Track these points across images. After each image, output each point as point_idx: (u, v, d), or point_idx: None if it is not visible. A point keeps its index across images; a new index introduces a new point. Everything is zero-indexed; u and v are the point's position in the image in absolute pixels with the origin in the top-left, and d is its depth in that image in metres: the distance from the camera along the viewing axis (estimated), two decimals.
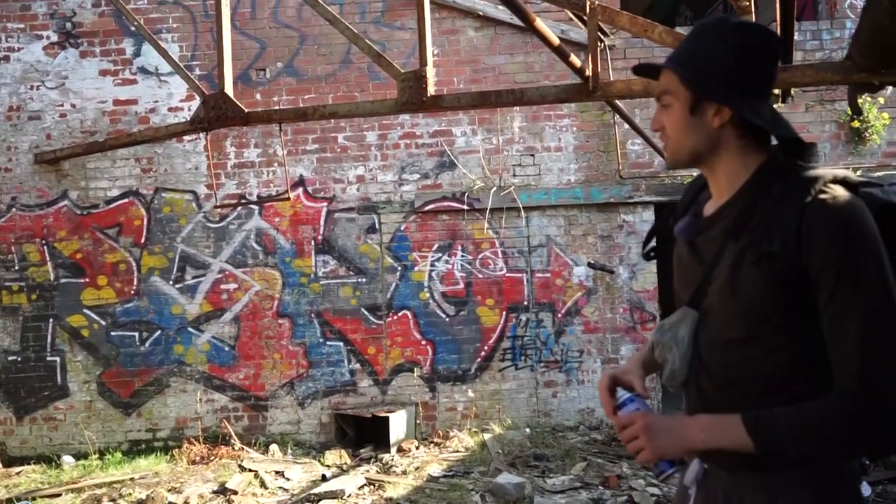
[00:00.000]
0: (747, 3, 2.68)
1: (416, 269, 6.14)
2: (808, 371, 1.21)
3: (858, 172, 6.08)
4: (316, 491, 4.64)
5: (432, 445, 5.72)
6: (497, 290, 6.13)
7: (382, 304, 6.13)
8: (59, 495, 4.88)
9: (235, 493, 4.69)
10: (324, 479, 4.99)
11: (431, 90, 3.44)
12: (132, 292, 6.13)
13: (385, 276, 6.14)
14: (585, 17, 3.27)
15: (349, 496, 4.61)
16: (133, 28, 5.85)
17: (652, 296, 6.10)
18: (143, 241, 6.16)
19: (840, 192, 1.19)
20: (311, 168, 6.19)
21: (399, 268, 6.15)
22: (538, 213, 6.12)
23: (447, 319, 6.12)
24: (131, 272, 6.13)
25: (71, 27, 6.21)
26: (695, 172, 1.43)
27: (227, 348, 6.12)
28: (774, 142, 1.32)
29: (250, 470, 5.18)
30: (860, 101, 5.63)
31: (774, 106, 6.09)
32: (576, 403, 6.05)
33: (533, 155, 6.18)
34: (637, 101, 5.70)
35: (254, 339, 6.12)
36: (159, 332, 6.11)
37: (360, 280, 6.14)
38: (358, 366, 6.12)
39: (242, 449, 5.70)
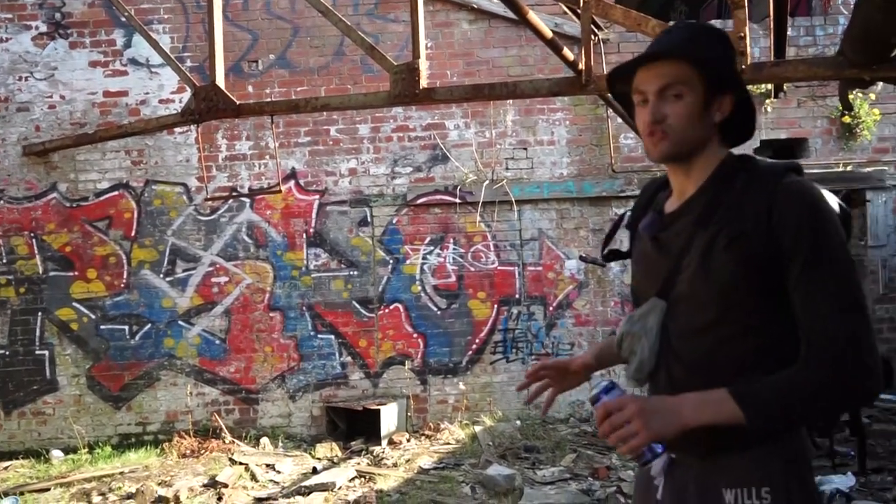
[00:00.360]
0: None
1: (408, 262, 6.14)
2: (778, 353, 1.28)
3: (849, 168, 6.14)
4: (307, 483, 4.65)
5: (423, 438, 5.73)
6: (489, 283, 6.13)
7: (374, 297, 6.12)
8: (47, 490, 4.86)
9: (226, 486, 4.68)
10: (314, 471, 5.00)
11: (424, 83, 3.42)
12: (122, 285, 6.09)
13: (377, 269, 6.13)
14: (579, 11, 3.27)
15: (340, 488, 4.61)
16: (123, 19, 5.79)
17: None
18: (133, 233, 6.11)
19: (800, 179, 1.30)
20: (303, 161, 6.16)
21: (391, 261, 6.14)
22: (530, 206, 6.13)
23: (439, 312, 6.13)
24: (121, 265, 6.09)
25: (60, 17, 6.14)
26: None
27: (217, 341, 6.09)
28: None
29: (241, 463, 5.17)
30: (851, 97, 5.67)
31: (768, 101, 6.06)
32: (566, 396, 6.08)
33: (526, 148, 6.18)
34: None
35: (245, 332, 6.10)
36: (149, 325, 6.07)
37: (351, 273, 6.13)
38: (349, 359, 6.11)
39: (233, 442, 5.69)
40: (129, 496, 4.58)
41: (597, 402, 1.29)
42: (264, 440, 5.76)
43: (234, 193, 6.07)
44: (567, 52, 3.99)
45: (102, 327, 6.07)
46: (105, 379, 6.05)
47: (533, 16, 3.70)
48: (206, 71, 4.44)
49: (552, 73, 5.81)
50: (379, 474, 4.84)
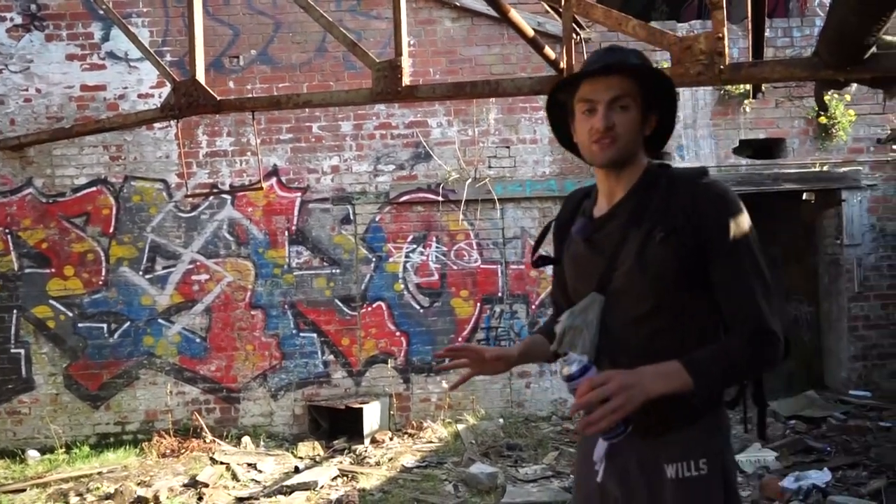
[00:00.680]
0: (719, 0, 2.71)
1: (391, 260, 6.13)
2: (706, 334, 1.48)
3: (825, 167, 6.24)
4: (288, 483, 4.62)
5: (406, 436, 5.73)
6: (471, 281, 6.14)
7: (356, 296, 6.10)
8: (23, 490, 4.78)
9: (206, 485, 4.65)
10: (297, 470, 4.97)
11: (407, 80, 3.42)
12: (100, 283, 6.00)
13: (359, 267, 6.11)
14: (561, 10, 3.28)
15: (322, 488, 4.60)
16: (101, 12, 5.69)
17: None
18: (111, 230, 6.03)
19: (715, 180, 1.51)
20: (285, 157, 6.12)
21: (373, 259, 6.12)
22: (513, 204, 6.14)
23: (421, 311, 6.13)
24: (99, 262, 6.01)
25: (36, 9, 6.02)
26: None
27: (198, 340, 6.03)
28: None
29: (222, 462, 5.13)
30: (827, 97, 5.76)
31: (746, 101, 6.13)
32: (548, 394, 6.11)
33: (508, 147, 6.20)
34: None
35: (226, 330, 6.04)
36: (128, 323, 6.00)
37: (334, 271, 6.10)
38: (332, 357, 6.09)
39: (214, 441, 5.64)
40: (108, 497, 4.52)
41: (573, 379, 1.38)
42: (246, 439, 5.72)
43: (215, 190, 6.01)
44: (549, 50, 4.01)
45: (80, 325, 5.98)
46: (83, 378, 5.97)
47: (515, 14, 3.71)
48: (186, 66, 4.39)
49: (534, 72, 5.83)
50: (361, 473, 4.83)
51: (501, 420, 5.87)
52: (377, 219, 6.14)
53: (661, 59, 5.91)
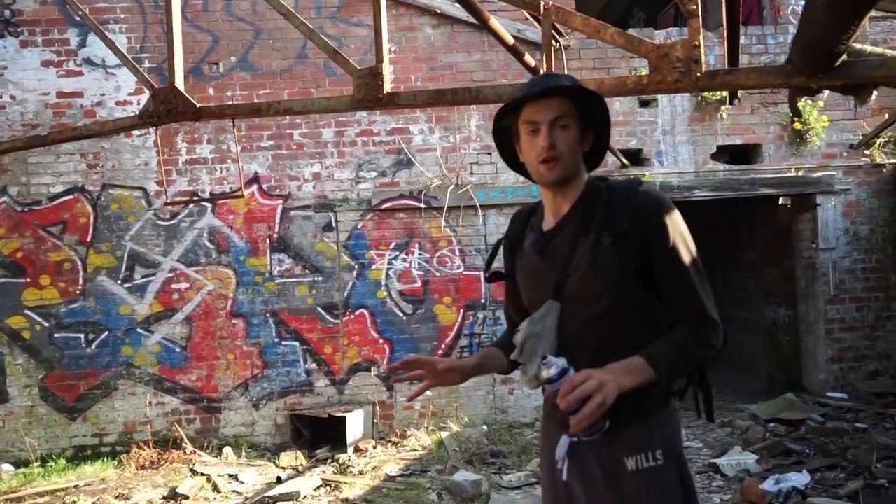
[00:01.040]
0: (694, 7, 2.75)
1: (374, 267, 6.11)
2: (657, 328, 1.60)
3: (801, 172, 6.35)
4: (271, 493, 4.58)
5: (389, 445, 5.70)
6: (454, 288, 6.15)
7: (339, 303, 6.07)
8: None
9: (187, 497, 4.58)
10: (279, 481, 4.92)
11: (388, 87, 3.41)
12: (77, 292, 5.90)
13: (342, 275, 6.09)
14: (540, 18, 3.30)
15: (305, 498, 4.56)
16: (78, 18, 5.63)
17: None
18: (89, 239, 5.94)
19: (651, 189, 1.67)
20: (266, 165, 6.08)
21: (356, 266, 6.10)
22: (495, 211, 6.16)
23: (404, 318, 6.11)
24: (76, 271, 5.91)
25: (10, 15, 5.94)
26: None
27: (178, 349, 5.96)
28: None
29: (202, 474, 5.06)
30: (800, 104, 5.86)
31: (723, 107, 6.23)
32: (532, 400, 6.12)
33: (490, 153, 6.22)
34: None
35: (206, 339, 5.97)
36: (106, 333, 5.90)
37: (316, 279, 6.07)
38: (314, 365, 6.05)
39: (194, 452, 5.57)
40: None
41: (552, 381, 1.46)
42: (227, 450, 5.65)
43: (195, 198, 5.95)
44: (529, 57, 4.03)
45: (56, 336, 5.87)
46: (59, 389, 5.86)
47: (495, 22, 3.73)
48: (165, 72, 4.35)
49: (515, 79, 5.87)
50: (345, 482, 4.79)
51: (485, 427, 5.87)
52: (359, 226, 6.12)
53: (640, 66, 5.99)
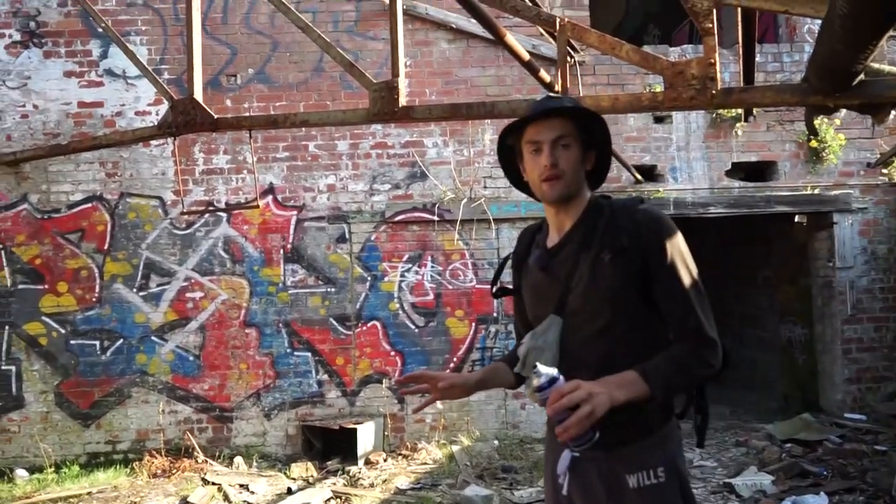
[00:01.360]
0: (710, 25, 2.76)
1: (386, 279, 6.12)
2: (660, 343, 1.61)
3: (817, 190, 6.30)
4: None
5: (400, 458, 5.68)
6: (466, 301, 6.14)
7: (351, 315, 6.09)
8: None
9: None
10: (289, 492, 4.92)
11: (403, 101, 3.45)
12: (94, 300, 5.97)
13: (354, 286, 6.11)
14: (556, 34, 3.32)
15: None
16: (100, 30, 5.74)
17: None
18: (106, 247, 6.01)
19: (651, 207, 1.69)
20: (281, 176, 6.14)
21: (369, 278, 6.12)
22: (508, 225, 6.17)
23: (416, 330, 6.11)
24: (93, 279, 5.98)
25: (35, 26, 6.07)
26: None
27: (191, 358, 6.00)
28: None
29: (214, 483, 5.07)
30: (817, 122, 5.83)
31: (738, 124, 6.21)
32: (543, 416, 6.04)
33: (503, 171, 6.22)
34: (604, 117, 5.79)
35: (219, 348, 6.01)
36: (121, 340, 5.96)
37: (329, 290, 6.10)
38: (326, 376, 6.05)
39: (206, 461, 5.58)
40: None
41: (542, 390, 1.46)
42: (238, 459, 5.65)
43: (211, 208, 6.01)
44: (543, 73, 4.06)
45: (72, 342, 5.94)
46: (74, 396, 5.91)
47: (510, 38, 3.77)
48: (184, 84, 4.41)
49: (529, 94, 5.90)
50: (355, 495, 4.78)
51: (496, 441, 5.83)
52: (373, 238, 6.15)
53: (654, 83, 6.00)
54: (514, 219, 6.15)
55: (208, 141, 6.08)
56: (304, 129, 5.94)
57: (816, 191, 6.30)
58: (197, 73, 3.93)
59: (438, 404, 6.00)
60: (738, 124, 6.24)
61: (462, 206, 6.07)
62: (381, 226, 6.15)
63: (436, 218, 6.11)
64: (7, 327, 5.90)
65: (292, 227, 6.11)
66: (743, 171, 6.47)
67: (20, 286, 5.93)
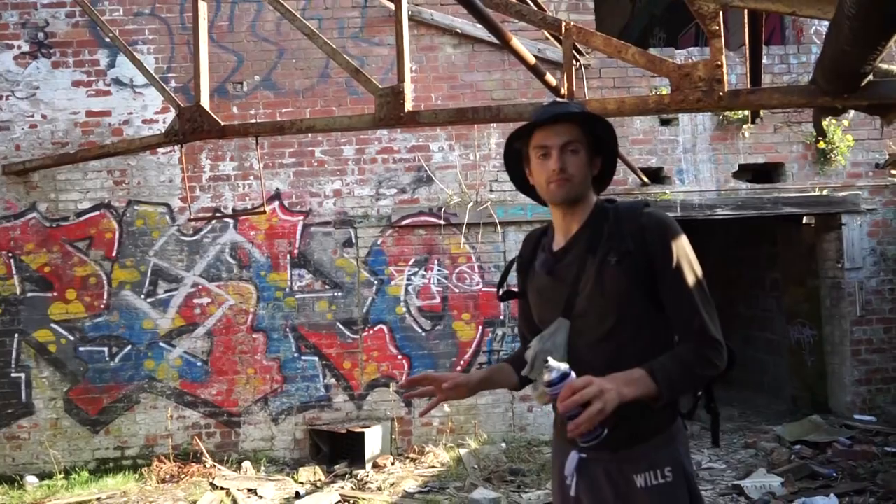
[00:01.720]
0: (717, 28, 2.76)
1: (393, 283, 6.13)
2: (662, 344, 1.64)
3: (825, 192, 6.27)
4: None
5: (408, 461, 5.68)
6: (473, 304, 6.14)
7: (358, 319, 6.10)
8: None
9: None
10: (297, 496, 4.92)
11: (409, 106, 3.46)
12: (102, 306, 6.00)
13: (361, 291, 6.12)
14: (561, 38, 3.33)
15: None
16: (108, 39, 5.79)
17: None
18: (114, 254, 6.05)
19: (656, 210, 1.70)
20: (288, 182, 6.16)
21: (375, 282, 6.13)
22: (514, 228, 6.17)
23: (423, 334, 6.11)
24: (101, 286, 6.02)
25: (43, 37, 6.12)
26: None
27: (199, 363, 6.01)
28: None
29: (222, 488, 5.08)
30: (825, 123, 5.81)
31: (745, 126, 6.20)
32: (550, 418, 6.03)
33: (508, 175, 6.22)
34: (610, 119, 5.79)
35: (227, 353, 6.03)
36: (130, 347, 5.98)
37: (335, 294, 6.11)
38: (333, 381, 6.06)
39: (214, 466, 5.59)
40: None
41: (553, 385, 1.46)
42: (246, 464, 5.67)
43: (218, 214, 6.04)
44: (549, 77, 4.06)
45: (81, 349, 5.97)
46: (83, 402, 5.94)
47: (516, 42, 3.77)
48: (191, 91, 4.44)
49: (535, 97, 5.91)
50: (363, 499, 4.78)
51: (504, 444, 5.82)
52: (379, 242, 6.16)
53: (660, 85, 5.99)
54: (521, 222, 6.15)
55: (215, 148, 6.11)
56: (310, 134, 5.96)
57: (825, 192, 6.28)
58: (203, 80, 3.95)
59: (445, 407, 6.00)
60: (745, 126, 6.23)
61: (468, 210, 6.07)
62: (388, 230, 6.16)
63: (442, 222, 6.12)
64: (16, 335, 5.93)
65: (299, 233, 6.13)
66: (750, 172, 6.46)
67: (29, 294, 5.97)
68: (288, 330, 6.06)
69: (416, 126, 4.75)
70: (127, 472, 5.62)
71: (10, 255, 5.97)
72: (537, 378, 1.72)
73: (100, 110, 6.12)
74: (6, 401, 5.89)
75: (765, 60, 4.62)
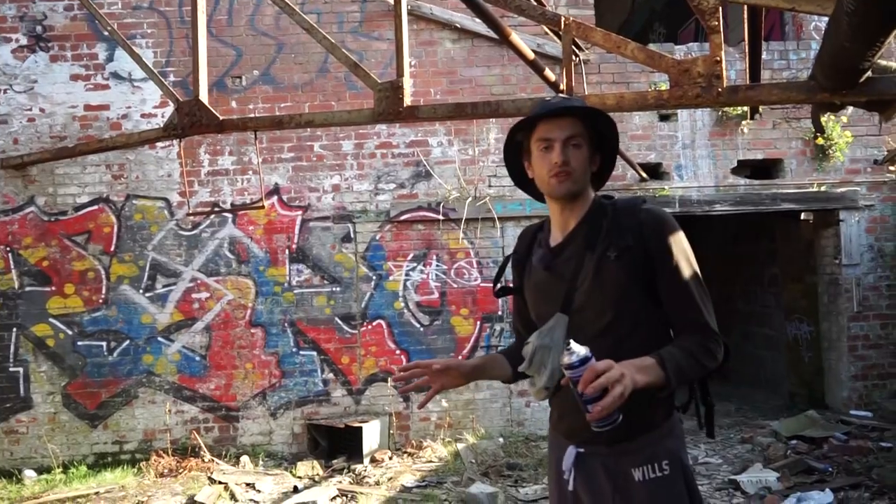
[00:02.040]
0: (716, 23, 2.76)
1: (391, 278, 6.14)
2: (661, 338, 1.65)
3: (823, 188, 6.28)
4: (287, 503, 4.59)
5: (406, 455, 5.69)
6: (471, 299, 6.15)
7: (357, 314, 6.10)
8: None
9: None
10: (295, 490, 4.94)
11: (408, 101, 3.46)
12: (100, 301, 6.00)
13: (359, 286, 6.12)
14: (561, 33, 3.33)
15: None
16: (106, 33, 5.76)
17: None
18: (112, 248, 6.04)
19: (653, 206, 1.71)
20: (287, 176, 6.16)
21: (374, 277, 6.13)
22: (513, 223, 6.17)
23: (421, 329, 6.12)
24: (100, 280, 6.01)
25: (41, 30, 6.10)
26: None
27: (198, 358, 6.02)
28: None
29: (220, 482, 5.09)
30: (823, 119, 5.81)
31: (744, 122, 6.23)
32: (548, 413, 6.07)
33: (505, 168, 6.22)
34: (609, 115, 5.79)
35: (225, 348, 6.03)
36: (128, 341, 5.99)
37: (334, 289, 6.11)
38: (331, 375, 6.07)
39: (212, 461, 5.60)
40: None
41: (573, 367, 1.45)
42: (244, 458, 5.68)
43: (217, 209, 6.04)
44: (549, 72, 4.06)
45: (80, 343, 5.97)
46: (81, 396, 5.94)
47: (515, 37, 3.77)
48: (190, 86, 4.44)
49: (534, 93, 5.90)
50: (361, 493, 4.79)
51: (501, 439, 5.84)
52: (377, 237, 6.16)
53: (659, 81, 5.99)
54: (519, 217, 6.15)
55: (214, 142, 6.10)
56: (308, 129, 5.96)
57: (823, 188, 6.29)
58: (202, 74, 3.95)
59: (443, 402, 6.02)
60: (744, 122, 6.23)
61: (467, 205, 6.07)
62: (386, 225, 6.16)
63: (440, 217, 6.12)
64: (15, 329, 5.93)
65: (297, 228, 6.13)
66: (749, 168, 6.46)
67: (27, 288, 5.96)
68: (286, 325, 6.07)
69: (414, 121, 4.75)
70: (125, 467, 5.64)
71: (8, 249, 5.97)
72: (535, 374, 1.72)
73: (98, 104, 6.10)
74: (4, 395, 5.89)
75: (764, 56, 4.62)
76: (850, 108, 5.46)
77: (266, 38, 6.19)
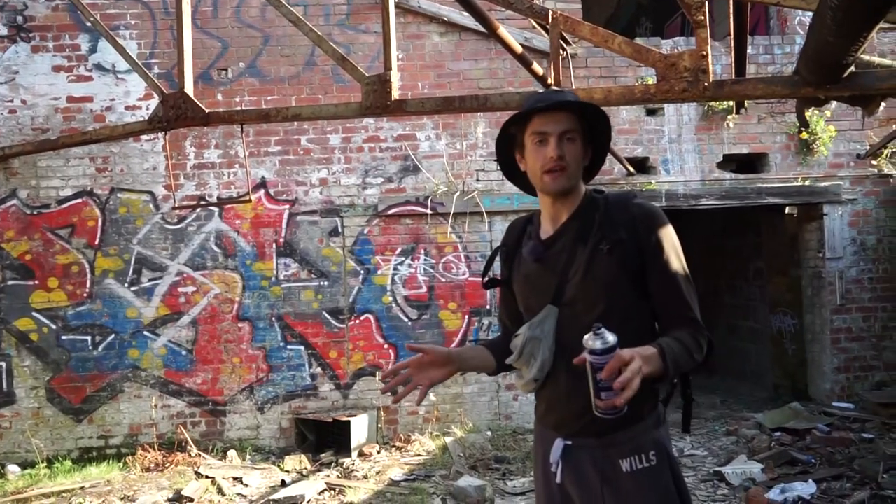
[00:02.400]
0: (702, 18, 2.77)
1: (379, 272, 6.13)
2: (648, 331, 1.68)
3: (807, 182, 6.35)
4: (275, 497, 4.58)
5: (394, 449, 5.70)
6: (460, 293, 6.16)
7: (344, 308, 6.09)
8: None
9: (191, 500, 4.60)
10: (283, 484, 4.93)
11: (396, 94, 3.44)
12: (85, 295, 5.94)
13: (347, 280, 6.11)
14: (548, 27, 3.32)
15: (309, 502, 4.56)
16: (89, 24, 5.68)
17: None
18: (97, 242, 5.98)
19: (645, 201, 1.73)
20: (273, 170, 6.12)
21: (362, 271, 6.12)
22: (501, 217, 6.18)
23: (410, 323, 6.12)
24: (84, 274, 5.95)
25: (22, 21, 6.00)
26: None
27: (184, 352, 5.98)
28: None
29: (207, 476, 5.08)
30: (808, 114, 5.86)
31: (730, 116, 6.25)
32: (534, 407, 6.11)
33: (496, 160, 6.23)
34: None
35: (212, 342, 6.00)
36: (113, 335, 5.93)
37: (322, 283, 6.09)
38: (319, 370, 6.06)
39: (199, 455, 5.58)
40: None
41: (595, 353, 1.43)
42: (232, 453, 5.66)
43: (203, 202, 5.99)
44: (536, 66, 4.06)
45: (64, 338, 5.91)
46: (66, 391, 5.89)
47: (503, 30, 3.76)
48: (175, 78, 4.39)
49: (522, 87, 5.90)
50: (349, 487, 4.79)
51: (489, 433, 5.87)
52: (365, 231, 6.14)
53: (647, 75, 6.01)
54: (507, 211, 6.16)
55: (199, 135, 6.04)
56: (295, 123, 5.92)
57: (807, 182, 6.35)
58: (187, 67, 3.90)
59: (431, 396, 6.03)
60: (729, 116, 6.27)
61: (455, 199, 6.07)
62: (374, 219, 6.14)
63: (428, 211, 6.12)
64: None
65: (285, 221, 6.10)
66: (734, 162, 6.51)
67: (10, 282, 5.89)
68: (274, 319, 6.04)
69: (402, 115, 4.72)
70: (111, 461, 5.60)
71: None
72: (523, 366, 1.72)
73: (81, 96, 6.02)
74: None
75: (749, 51, 4.65)
76: (834, 103, 5.51)
77: (252, 31, 6.14)
